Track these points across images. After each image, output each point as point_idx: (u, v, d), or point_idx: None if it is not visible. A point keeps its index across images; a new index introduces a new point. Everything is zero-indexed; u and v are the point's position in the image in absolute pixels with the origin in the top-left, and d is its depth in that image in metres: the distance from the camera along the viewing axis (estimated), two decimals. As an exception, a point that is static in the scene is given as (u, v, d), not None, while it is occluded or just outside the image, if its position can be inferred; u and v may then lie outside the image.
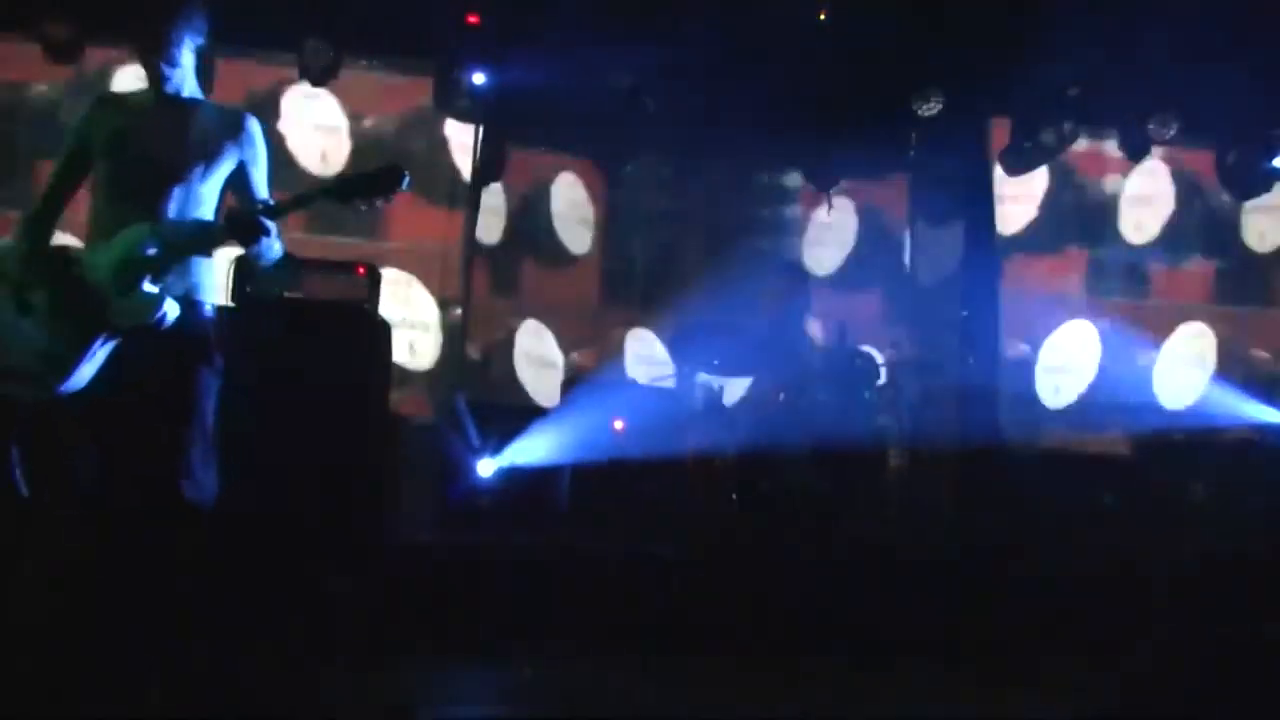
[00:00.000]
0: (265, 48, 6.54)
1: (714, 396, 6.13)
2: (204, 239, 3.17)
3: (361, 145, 6.84)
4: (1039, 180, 7.28)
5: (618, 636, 4.94)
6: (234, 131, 3.27)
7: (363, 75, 6.75)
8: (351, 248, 6.45)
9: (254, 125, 3.34)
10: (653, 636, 5.02)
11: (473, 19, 6.27)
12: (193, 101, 3.30)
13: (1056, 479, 6.51)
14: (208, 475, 3.25)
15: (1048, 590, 5.24)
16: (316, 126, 6.78)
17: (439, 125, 6.84)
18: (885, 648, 5.00)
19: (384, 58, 6.79)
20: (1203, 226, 7.58)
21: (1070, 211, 7.34)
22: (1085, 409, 7.25)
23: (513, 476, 5.52)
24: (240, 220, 3.16)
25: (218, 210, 3.28)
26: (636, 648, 4.88)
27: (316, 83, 6.62)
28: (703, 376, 6.07)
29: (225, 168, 3.25)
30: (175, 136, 3.18)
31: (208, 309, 3.28)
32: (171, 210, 3.13)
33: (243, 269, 5.06)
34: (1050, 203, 7.30)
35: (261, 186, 3.32)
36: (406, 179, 3.13)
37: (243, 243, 3.19)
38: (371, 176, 3.18)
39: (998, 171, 7.20)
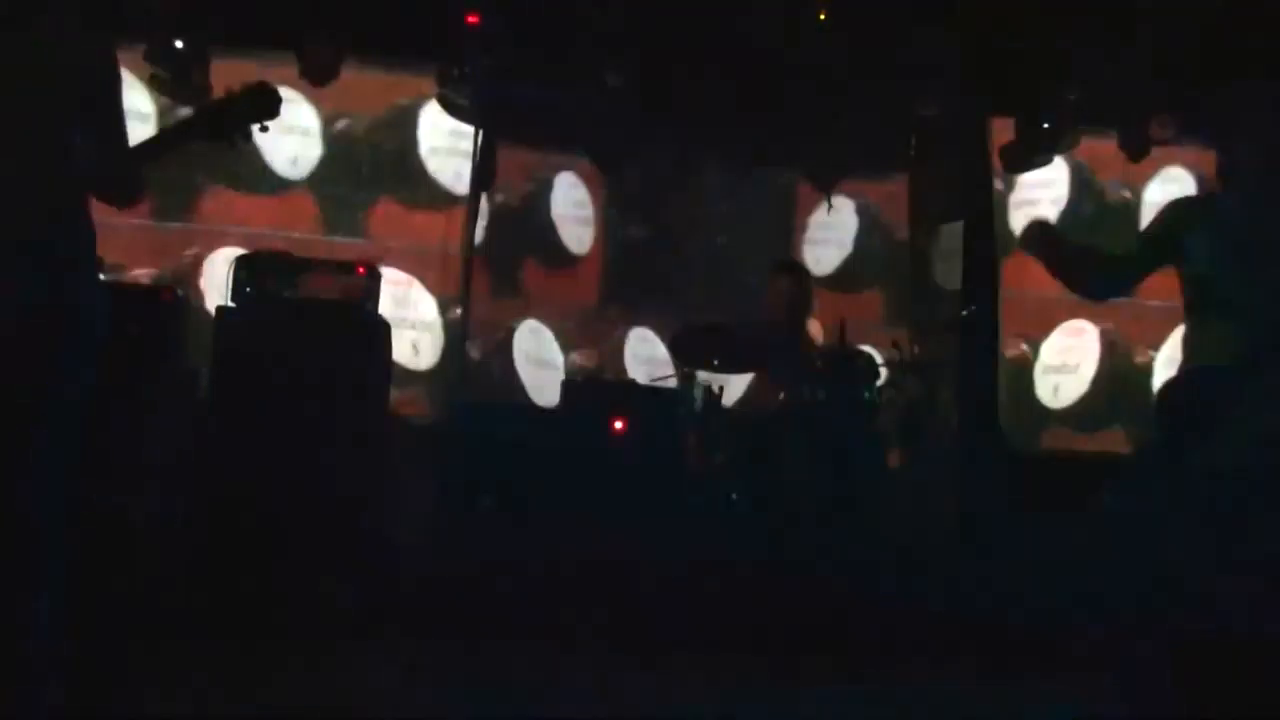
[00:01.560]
0: (265, 47, 6.54)
1: (714, 397, 6.14)
2: (54, 200, 2.59)
3: (361, 144, 6.84)
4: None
5: (617, 634, 4.96)
6: (74, 52, 2.64)
7: (363, 75, 6.75)
8: (351, 248, 6.46)
9: (101, 43, 2.72)
10: (653, 635, 5.03)
11: (473, 19, 6.27)
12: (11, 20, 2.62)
13: (1056, 479, 6.53)
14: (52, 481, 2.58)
15: (1046, 590, 5.25)
16: (316, 126, 6.78)
17: (440, 125, 6.83)
18: (885, 647, 5.02)
19: (385, 57, 6.78)
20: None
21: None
22: (1085, 409, 7.25)
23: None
24: (100, 179, 2.65)
25: (67, 151, 2.65)
26: (635, 646, 4.89)
27: (316, 83, 6.64)
28: (702, 375, 6.07)
29: (64, 100, 2.62)
30: None
31: (79, 285, 2.66)
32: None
33: (243, 268, 5.07)
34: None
35: (118, 118, 2.71)
36: (279, 99, 2.73)
37: (107, 201, 2.72)
38: (239, 100, 2.72)
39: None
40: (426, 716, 3.60)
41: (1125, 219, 7.37)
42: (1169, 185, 7.38)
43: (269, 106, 2.73)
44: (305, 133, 6.77)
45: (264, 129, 2.79)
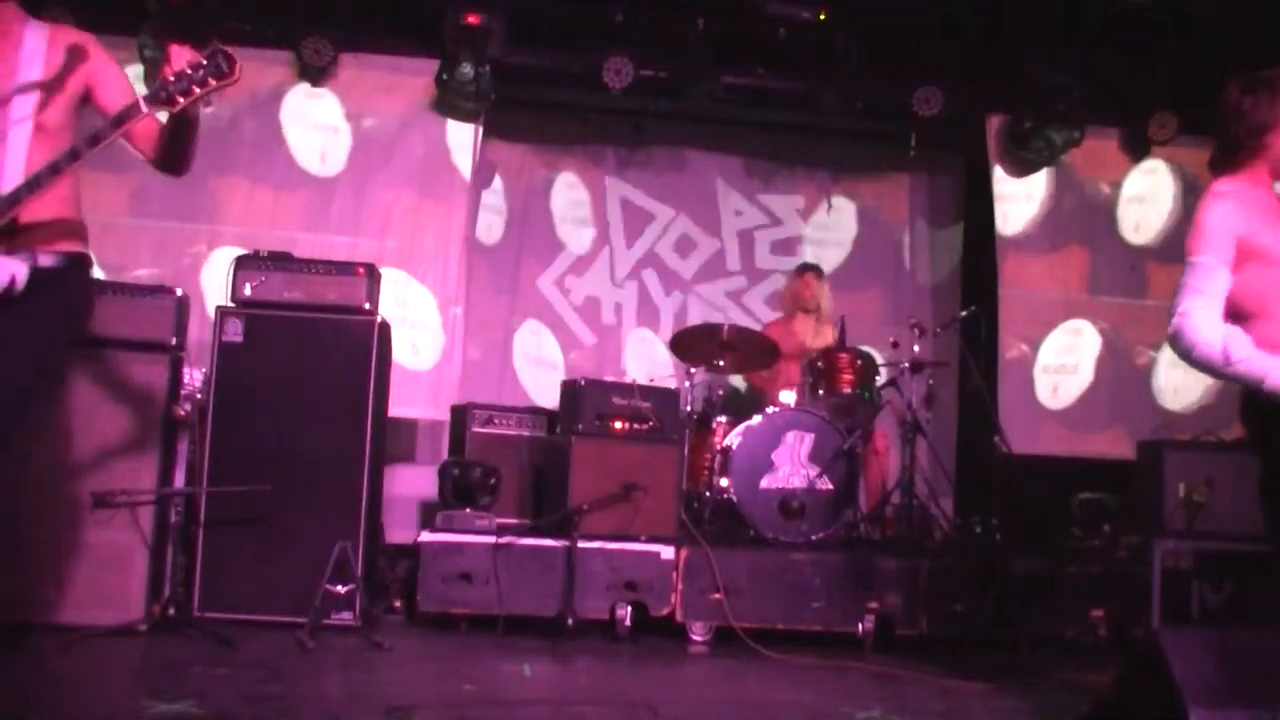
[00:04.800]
0: (264, 46, 6.53)
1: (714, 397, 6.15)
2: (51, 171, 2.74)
3: (361, 144, 6.82)
4: (1039, 180, 7.25)
5: (617, 630, 4.96)
6: (76, 54, 2.88)
7: (362, 75, 6.74)
8: (351, 248, 6.46)
9: (93, 40, 2.96)
10: (652, 631, 5.03)
11: (473, 19, 6.26)
12: (13, 23, 2.86)
13: (1055, 480, 6.53)
14: None
15: (1047, 590, 5.25)
16: (316, 126, 6.77)
17: (439, 125, 6.83)
18: (885, 644, 5.02)
19: (384, 57, 6.78)
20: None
21: (1071, 211, 7.30)
22: (1085, 409, 7.23)
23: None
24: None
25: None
26: (634, 642, 4.89)
27: (315, 82, 6.63)
28: (703, 375, 6.08)
29: (74, 97, 2.89)
30: (3, 69, 2.80)
31: (58, 264, 2.84)
32: (17, 162, 2.76)
33: (243, 268, 5.07)
34: (1051, 202, 7.26)
35: (120, 103, 2.86)
36: (232, 60, 2.73)
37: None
38: (192, 65, 2.73)
39: (997, 171, 7.17)
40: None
41: (1108, 214, 7.35)
42: (1144, 179, 7.34)
43: (222, 68, 2.72)
44: (305, 132, 6.75)
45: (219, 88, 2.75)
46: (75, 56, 2.86)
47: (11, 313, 2.76)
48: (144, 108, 2.74)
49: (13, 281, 2.72)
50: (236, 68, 2.73)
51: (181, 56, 2.71)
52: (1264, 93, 3.15)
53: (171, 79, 2.71)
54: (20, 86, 2.77)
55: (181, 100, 2.71)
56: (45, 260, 2.81)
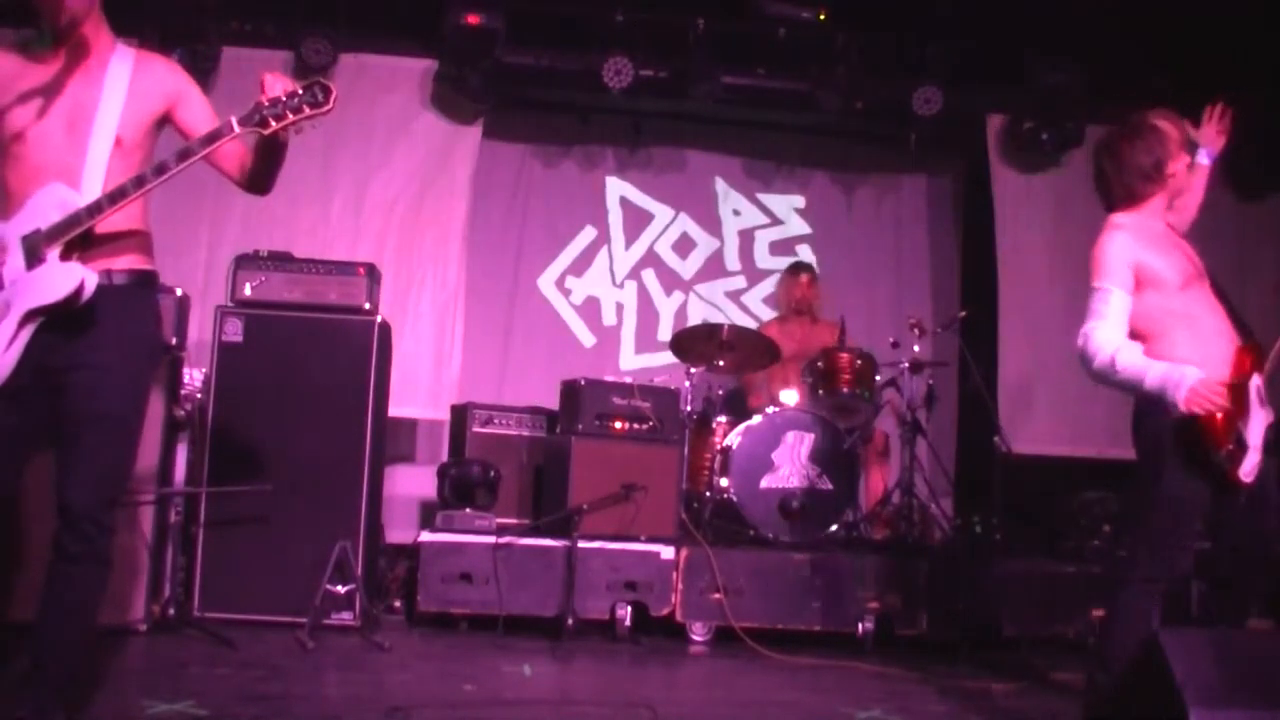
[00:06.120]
0: (264, 46, 6.53)
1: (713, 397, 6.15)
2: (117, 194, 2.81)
3: (361, 144, 6.81)
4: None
5: (617, 630, 4.96)
6: (160, 77, 2.97)
7: (362, 75, 6.73)
8: (351, 248, 6.46)
9: (177, 65, 3.09)
10: (652, 630, 5.03)
11: (473, 19, 6.26)
12: (103, 44, 2.93)
13: (1055, 480, 6.52)
14: (109, 485, 2.85)
15: (1047, 590, 5.26)
16: (316, 126, 6.75)
17: (439, 125, 6.82)
18: (885, 643, 5.02)
19: (384, 57, 6.77)
20: (1221, 231, 7.42)
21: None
22: (1085, 409, 7.22)
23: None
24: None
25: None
26: (635, 641, 4.90)
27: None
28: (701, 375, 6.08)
29: (154, 117, 2.97)
30: (90, 86, 2.86)
31: (128, 280, 2.92)
32: (96, 174, 2.82)
33: (243, 268, 5.07)
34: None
35: (203, 126, 2.93)
36: (329, 91, 2.83)
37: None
38: (290, 94, 2.82)
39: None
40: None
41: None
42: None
43: (318, 98, 2.83)
44: (304, 132, 6.73)
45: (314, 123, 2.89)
46: (158, 79, 2.96)
47: (94, 337, 2.82)
48: (235, 128, 2.82)
49: (81, 286, 2.76)
50: (332, 99, 2.83)
51: (275, 84, 2.82)
52: (1141, 138, 3.42)
53: (266, 103, 2.80)
54: (104, 104, 2.86)
55: (274, 124, 2.80)
56: (118, 279, 2.89)
